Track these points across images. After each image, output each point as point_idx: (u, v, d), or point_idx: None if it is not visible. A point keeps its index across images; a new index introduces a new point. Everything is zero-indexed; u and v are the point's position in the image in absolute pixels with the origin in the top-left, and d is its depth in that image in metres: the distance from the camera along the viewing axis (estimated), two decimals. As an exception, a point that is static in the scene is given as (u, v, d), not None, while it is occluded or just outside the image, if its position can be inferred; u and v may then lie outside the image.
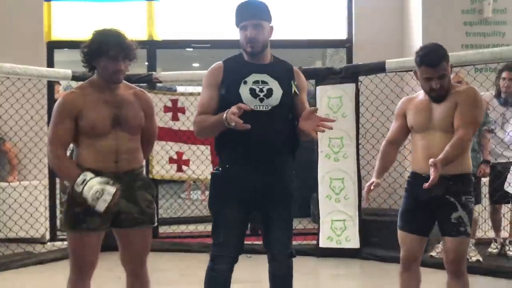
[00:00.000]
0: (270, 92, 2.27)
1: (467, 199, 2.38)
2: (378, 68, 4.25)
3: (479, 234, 4.37)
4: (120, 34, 2.22)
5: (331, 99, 4.40)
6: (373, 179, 2.55)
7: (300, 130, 2.26)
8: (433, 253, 4.19)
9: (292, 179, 2.40)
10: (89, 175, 2.14)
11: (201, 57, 9.00)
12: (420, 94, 2.53)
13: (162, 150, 4.92)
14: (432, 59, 2.34)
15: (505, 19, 4.99)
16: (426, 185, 2.20)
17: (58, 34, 5.35)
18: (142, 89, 2.46)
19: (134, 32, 5.35)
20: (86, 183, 2.11)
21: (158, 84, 5.00)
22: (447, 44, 5.09)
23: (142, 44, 5.33)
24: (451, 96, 2.39)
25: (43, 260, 4.19)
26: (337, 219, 4.37)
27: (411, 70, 4.32)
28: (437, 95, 2.37)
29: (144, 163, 4.96)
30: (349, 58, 5.48)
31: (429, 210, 2.42)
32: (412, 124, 2.47)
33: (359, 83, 4.43)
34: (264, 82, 2.28)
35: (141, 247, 2.34)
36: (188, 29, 5.47)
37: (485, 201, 4.34)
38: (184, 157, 4.93)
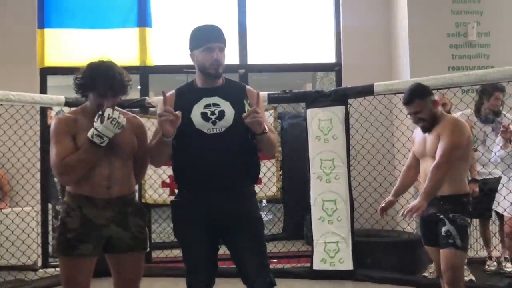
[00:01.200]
0: (222, 114, 2.26)
1: (454, 216, 2.69)
2: (367, 90, 4.33)
3: (471, 253, 4.39)
4: (111, 70, 2.22)
5: (321, 121, 4.46)
6: (389, 197, 2.98)
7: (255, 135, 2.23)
8: (426, 273, 4.20)
9: (253, 202, 2.36)
10: (97, 124, 2.14)
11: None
12: None
13: (155, 174, 4.93)
14: (405, 98, 2.83)
15: (489, 41, 5.12)
16: (403, 212, 2.67)
17: (52, 60, 5.40)
18: (135, 114, 2.50)
19: (127, 58, 5.43)
20: (98, 121, 2.14)
21: (151, 109, 5.04)
22: (434, 66, 5.24)
23: (135, 69, 5.48)
24: (438, 126, 2.77)
25: (35, 287, 4.14)
26: (330, 241, 4.38)
27: (399, 93, 4.42)
28: (420, 127, 2.82)
29: (136, 188, 4.95)
30: (339, 81, 5.58)
31: (430, 226, 2.80)
32: (414, 151, 2.93)
33: (349, 105, 4.50)
34: (215, 105, 2.28)
35: (134, 272, 2.34)
36: (180, 54, 5.55)
37: (476, 220, 4.39)
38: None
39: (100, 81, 2.19)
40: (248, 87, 2.45)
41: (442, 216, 2.70)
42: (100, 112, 2.14)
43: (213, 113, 2.27)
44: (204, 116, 2.27)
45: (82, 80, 2.24)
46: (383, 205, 2.93)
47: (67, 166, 2.16)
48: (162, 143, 2.20)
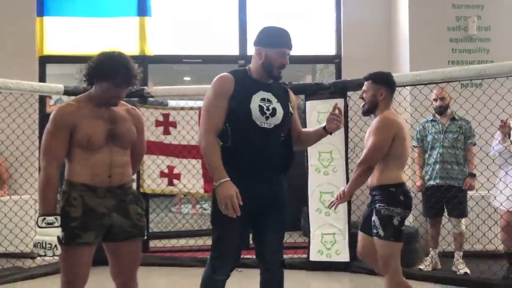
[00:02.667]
0: (274, 111, 2.37)
1: (380, 206, 2.74)
2: (366, 83, 4.32)
3: (467, 247, 4.42)
4: (129, 61, 2.26)
5: (320, 114, 4.47)
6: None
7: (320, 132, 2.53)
8: (422, 266, 4.23)
9: (286, 192, 2.51)
10: (58, 221, 2.14)
11: (192, 71, 9.07)
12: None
13: (153, 164, 4.94)
14: (365, 75, 2.91)
15: (489, 36, 5.12)
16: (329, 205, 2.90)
17: (51, 48, 5.38)
18: (133, 107, 2.52)
19: (126, 47, 5.41)
20: (52, 227, 2.12)
21: (150, 99, 5.04)
22: (434, 60, 5.23)
23: (134, 59, 5.44)
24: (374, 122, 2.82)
25: (33, 275, 4.16)
26: (327, 233, 4.41)
27: (398, 86, 4.41)
28: (362, 106, 2.90)
29: (134, 177, 4.96)
30: (338, 73, 5.58)
31: (367, 214, 2.87)
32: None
33: (348, 98, 4.51)
34: (269, 101, 2.38)
35: (133, 259, 2.37)
36: (179, 44, 5.54)
37: (472, 214, 4.41)
38: (175, 171, 4.96)
39: (120, 71, 2.21)
40: (289, 89, 2.59)
41: (372, 206, 2.81)
42: (53, 222, 2.14)
43: (268, 108, 2.36)
44: (261, 109, 2.35)
45: (98, 67, 2.23)
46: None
47: (46, 178, 2.18)
48: (212, 177, 2.30)
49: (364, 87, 2.88)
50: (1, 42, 5.15)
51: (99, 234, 2.25)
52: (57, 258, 2.18)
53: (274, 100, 2.39)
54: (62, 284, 2.27)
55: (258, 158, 2.34)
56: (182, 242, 5.30)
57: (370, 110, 2.86)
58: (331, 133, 2.52)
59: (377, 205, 2.74)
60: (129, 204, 2.34)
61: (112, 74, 2.21)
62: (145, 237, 2.44)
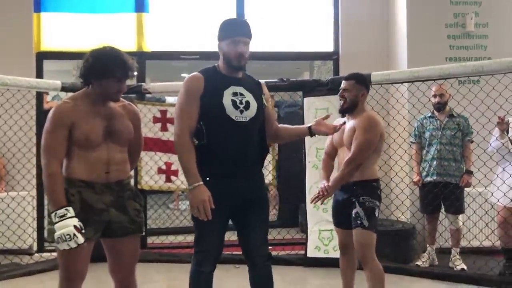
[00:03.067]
0: (248, 104, 2.40)
1: (364, 199, 2.88)
2: (364, 80, 4.32)
3: (464, 243, 4.44)
4: (124, 55, 2.24)
5: (318, 111, 4.47)
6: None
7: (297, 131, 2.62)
8: (419, 262, 4.25)
9: (265, 186, 2.55)
10: (71, 212, 2.14)
11: (190, 67, 9.06)
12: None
13: (151, 161, 4.94)
14: (346, 75, 3.07)
15: (487, 33, 5.12)
16: (311, 199, 2.97)
17: (48, 44, 5.36)
18: (130, 102, 2.50)
19: (123, 43, 5.40)
20: (65, 218, 2.11)
21: (147, 95, 5.03)
22: (431, 57, 5.23)
23: (131, 55, 5.44)
24: (356, 118, 2.92)
25: (31, 271, 4.16)
26: (324, 229, 4.42)
27: (396, 83, 4.44)
28: (340, 104, 3.02)
29: (132, 173, 4.96)
30: (336, 70, 5.57)
31: (344, 209, 2.97)
32: (332, 139, 3.07)
33: (346, 94, 4.50)
34: (241, 95, 2.41)
35: (131, 255, 2.37)
36: (177, 40, 5.52)
37: (469, 210, 4.43)
38: (173, 168, 4.96)
39: (118, 66, 2.20)
40: (262, 82, 2.60)
41: (354, 200, 2.89)
42: (65, 213, 2.13)
43: (241, 102, 2.39)
44: (234, 103, 2.37)
45: (95, 65, 2.21)
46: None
47: (49, 175, 2.17)
48: (186, 178, 2.35)
49: (344, 86, 2.98)
50: (-2, 38, 5.13)
51: (98, 230, 2.25)
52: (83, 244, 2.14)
53: (246, 93, 2.42)
54: (61, 280, 2.26)
55: (234, 154, 2.36)
56: (180, 238, 5.31)
57: (349, 109, 2.97)
58: (314, 135, 2.59)
59: (360, 198, 2.87)
60: (127, 200, 2.34)
61: (110, 70, 2.20)
62: (144, 233, 2.45)
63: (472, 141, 4.19)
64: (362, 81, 3.00)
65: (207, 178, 2.36)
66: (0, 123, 4.66)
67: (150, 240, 5.22)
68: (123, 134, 2.33)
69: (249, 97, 2.42)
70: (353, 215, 2.87)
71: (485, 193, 4.40)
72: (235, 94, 2.39)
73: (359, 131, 2.85)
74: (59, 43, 5.35)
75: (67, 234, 2.09)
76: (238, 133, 2.35)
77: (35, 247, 4.93)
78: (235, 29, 2.41)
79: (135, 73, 2.32)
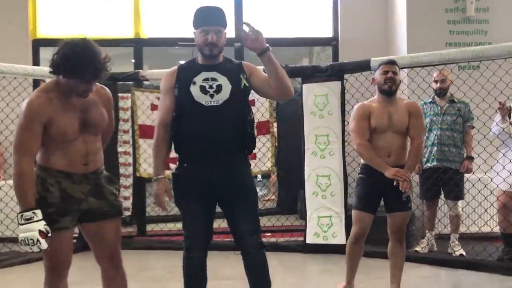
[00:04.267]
0: (219, 88, 2.38)
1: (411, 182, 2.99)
2: (363, 66, 4.30)
3: (463, 229, 4.45)
4: (96, 54, 2.10)
5: (317, 97, 4.44)
6: (390, 168, 2.95)
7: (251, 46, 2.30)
8: (418, 248, 4.26)
9: (247, 174, 2.51)
10: (38, 215, 2.07)
11: (188, 54, 8.99)
12: (374, 101, 3.09)
13: (149, 148, 4.90)
14: (390, 59, 3.22)
15: (488, 17, 5.07)
16: (399, 185, 2.88)
17: (44, 32, 5.31)
18: (102, 85, 2.38)
19: (121, 29, 5.35)
20: (31, 222, 2.05)
21: (145, 82, 4.99)
22: (431, 42, 5.19)
23: (128, 41, 5.40)
24: (402, 106, 3.03)
25: (30, 259, 4.16)
26: (323, 216, 4.42)
27: (395, 68, 4.40)
28: (389, 87, 2.99)
29: (130, 161, 4.92)
30: (335, 56, 5.54)
31: (379, 193, 3.03)
32: (376, 126, 3.01)
33: (345, 81, 4.48)
34: (213, 79, 2.40)
35: (115, 238, 2.35)
36: (174, 27, 5.47)
37: (468, 196, 4.43)
38: (172, 155, 4.92)
39: (87, 68, 2.08)
40: (244, 62, 2.54)
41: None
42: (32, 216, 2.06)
43: (211, 86, 2.38)
44: (202, 89, 2.38)
45: (64, 65, 2.10)
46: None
47: (19, 173, 2.10)
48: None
49: (394, 69, 3.05)
50: (-7, 25, 5.07)
51: (74, 218, 2.24)
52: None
53: (220, 77, 2.40)
54: (46, 269, 2.25)
55: (206, 140, 2.35)
56: (178, 225, 5.27)
57: (395, 91, 3.05)
58: (264, 51, 2.29)
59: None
60: (103, 187, 2.32)
61: (79, 72, 2.08)
62: (123, 215, 2.43)
63: (472, 127, 4.17)
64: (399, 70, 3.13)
65: (185, 164, 2.45)
66: (-4, 111, 4.63)
67: (149, 227, 5.22)
68: (99, 124, 2.27)
69: (222, 80, 2.39)
70: (404, 199, 2.97)
71: (484, 179, 4.39)
72: (206, 79, 2.39)
73: (417, 116, 3.03)
74: (55, 30, 5.30)
75: (31, 239, 2.03)
76: (209, 118, 2.35)
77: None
78: (205, 18, 2.40)
79: (108, 70, 2.18)
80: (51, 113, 2.13)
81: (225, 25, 2.45)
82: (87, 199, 2.25)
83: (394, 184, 2.89)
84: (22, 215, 2.07)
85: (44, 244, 2.05)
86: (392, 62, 3.11)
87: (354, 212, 3.10)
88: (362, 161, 3.11)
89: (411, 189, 3.03)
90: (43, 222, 2.07)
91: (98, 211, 2.28)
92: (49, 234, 2.07)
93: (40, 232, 2.04)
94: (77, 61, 2.07)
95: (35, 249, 2.05)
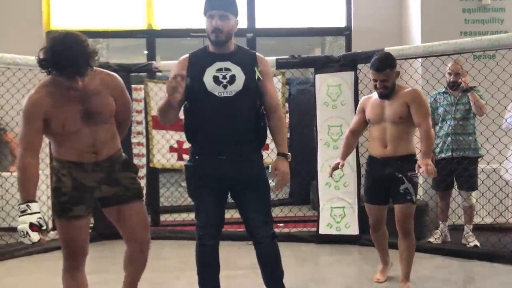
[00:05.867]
0: (233, 78, 2.35)
1: (411, 174, 2.96)
2: (377, 56, 4.26)
3: (477, 220, 4.41)
4: (75, 51, 2.05)
5: (330, 87, 4.42)
6: (340, 160, 3.16)
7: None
8: (431, 239, 4.24)
9: (260, 166, 2.49)
10: (32, 208, 2.08)
11: (200, 45, 8.98)
12: (375, 94, 3.10)
13: (163, 139, 4.95)
14: (377, 65, 2.97)
15: (504, 5, 4.98)
16: (424, 171, 2.79)
17: (57, 23, 5.35)
18: (109, 72, 2.35)
19: (133, 21, 5.36)
20: (24, 214, 2.08)
21: (158, 73, 5.01)
22: (446, 31, 5.11)
23: (141, 33, 5.41)
24: (399, 96, 3.00)
25: (47, 248, 4.23)
26: (336, 206, 4.42)
27: (409, 58, 4.36)
28: (380, 93, 3.01)
29: (144, 152, 4.96)
30: (348, 46, 5.49)
31: (384, 185, 3.04)
32: (370, 117, 3.08)
33: (358, 71, 4.45)
34: (227, 69, 2.37)
35: (138, 221, 2.38)
36: (186, 18, 5.47)
37: (483, 187, 4.39)
38: (185, 146, 4.96)
39: (64, 66, 2.04)
40: (258, 54, 2.51)
41: (400, 175, 2.96)
42: (25, 209, 2.09)
43: (224, 77, 2.35)
44: (216, 79, 2.35)
45: (46, 63, 2.08)
46: (339, 166, 3.15)
47: (22, 167, 2.14)
48: (168, 107, 2.31)
49: (382, 77, 2.96)
50: (8, 18, 5.12)
51: (89, 207, 2.27)
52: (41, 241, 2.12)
53: (233, 67, 2.37)
54: (64, 257, 2.30)
55: (218, 131, 2.34)
56: (192, 216, 5.31)
57: (390, 93, 3.01)
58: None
59: (409, 173, 2.95)
60: (118, 173, 2.33)
61: (59, 69, 2.07)
62: (143, 198, 2.45)
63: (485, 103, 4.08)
64: (393, 64, 3.02)
65: (196, 157, 2.44)
66: (12, 103, 4.68)
67: (163, 217, 5.27)
68: (103, 112, 2.24)
69: (236, 70, 2.37)
70: (401, 191, 2.95)
71: (499, 169, 4.34)
72: (219, 70, 2.36)
73: (418, 103, 2.95)
74: (68, 22, 5.33)
75: (22, 231, 2.06)
76: (222, 109, 2.33)
77: (50, 225, 5.00)
78: (210, 3, 2.39)
79: (92, 66, 2.13)
80: (49, 107, 2.14)
81: (232, 11, 2.40)
82: (100, 187, 2.28)
83: (414, 173, 2.90)
84: (19, 207, 2.11)
85: (34, 237, 2.05)
86: (379, 69, 2.96)
87: (365, 204, 3.24)
88: (368, 153, 3.19)
89: (414, 185, 2.98)
90: (36, 216, 2.08)
91: (113, 196, 2.31)
92: (43, 227, 2.08)
93: (32, 225, 2.06)
94: (56, 59, 2.04)
95: (26, 241, 2.07)
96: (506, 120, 3.97)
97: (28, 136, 2.15)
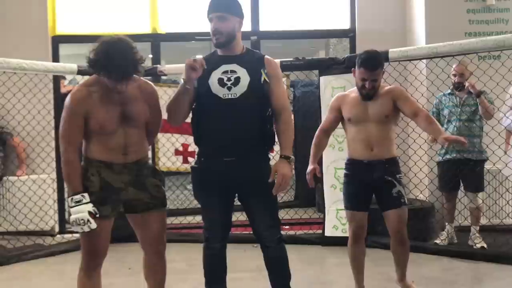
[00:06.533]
0: (237, 80, 2.36)
1: (399, 176, 2.82)
2: (381, 57, 4.26)
3: (484, 221, 4.40)
4: (126, 55, 2.17)
5: (334, 89, 4.41)
6: (314, 165, 2.85)
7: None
8: (438, 241, 4.23)
9: (266, 169, 2.44)
10: (86, 198, 2.21)
11: (205, 49, 9.01)
12: (353, 92, 2.90)
13: (168, 142, 4.97)
14: (371, 64, 2.75)
15: (509, 6, 4.97)
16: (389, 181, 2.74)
17: (63, 28, 5.38)
18: (147, 80, 2.48)
19: (138, 25, 5.39)
20: (80, 204, 2.19)
21: (163, 77, 5.03)
22: (451, 32, 5.10)
23: (146, 37, 5.44)
24: (382, 94, 2.80)
25: (54, 251, 4.26)
26: (342, 208, 4.36)
27: (414, 59, 4.36)
28: (367, 93, 2.78)
29: (150, 155, 4.97)
30: (353, 48, 5.49)
31: (370, 189, 2.85)
32: (350, 116, 2.84)
33: (363, 72, 4.44)
34: (232, 71, 2.37)
35: (158, 229, 2.42)
36: (191, 21, 5.49)
37: (489, 188, 4.37)
38: (190, 149, 4.98)
39: (116, 67, 2.15)
40: (267, 57, 2.50)
41: (390, 179, 2.79)
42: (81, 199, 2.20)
43: (229, 79, 2.36)
44: (220, 81, 2.37)
45: (96, 63, 2.19)
46: (309, 176, 2.82)
47: (67, 161, 2.24)
48: (182, 93, 2.33)
49: (374, 76, 2.75)
50: (14, 23, 5.15)
51: (115, 208, 2.31)
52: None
53: (239, 69, 2.37)
54: (83, 256, 2.34)
55: (223, 133, 2.34)
56: (198, 219, 5.34)
57: (376, 94, 2.81)
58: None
59: (397, 176, 2.81)
60: (145, 178, 2.37)
61: (108, 71, 2.17)
62: (167, 206, 2.49)
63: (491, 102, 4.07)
64: (383, 64, 2.88)
65: (202, 159, 2.45)
66: (19, 107, 4.72)
67: (169, 220, 5.23)
68: (139, 117, 2.33)
69: (241, 72, 2.37)
70: (395, 194, 2.76)
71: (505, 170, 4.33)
72: (225, 72, 2.37)
73: (405, 97, 2.81)
74: (74, 27, 5.37)
75: (81, 219, 2.17)
76: (227, 111, 2.34)
77: (56, 229, 5.03)
78: (210, 6, 2.40)
79: (140, 70, 2.25)
80: (90, 106, 2.24)
81: (231, 11, 2.39)
82: (127, 189, 2.32)
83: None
84: (72, 198, 2.21)
85: (94, 224, 2.18)
86: (372, 68, 2.74)
87: (346, 212, 2.98)
88: (346, 155, 2.96)
89: (404, 188, 2.82)
90: (91, 204, 2.20)
91: (139, 203, 2.35)
92: (97, 215, 2.20)
93: (90, 213, 2.18)
94: (107, 61, 2.15)
95: (86, 228, 2.18)
96: (505, 115, 3.95)
97: (70, 132, 2.25)
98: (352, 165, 2.90)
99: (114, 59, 2.14)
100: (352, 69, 2.88)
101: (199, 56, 2.42)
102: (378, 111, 2.79)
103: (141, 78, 2.42)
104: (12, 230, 4.74)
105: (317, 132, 3.01)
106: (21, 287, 3.57)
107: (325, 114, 4.42)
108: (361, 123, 2.82)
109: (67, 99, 2.27)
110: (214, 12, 2.36)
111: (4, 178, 4.92)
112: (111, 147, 2.28)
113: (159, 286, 2.51)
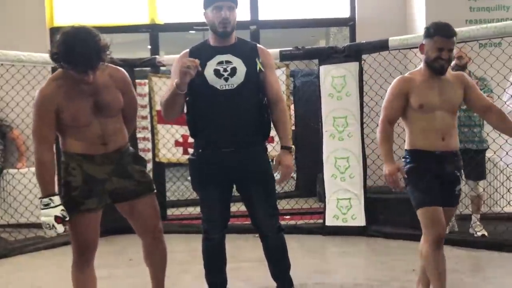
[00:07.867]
0: (234, 71, 2.35)
1: (462, 172, 2.60)
2: (381, 46, 4.23)
3: (484, 209, 4.39)
4: (88, 45, 2.07)
5: (334, 79, 4.40)
6: (394, 164, 2.49)
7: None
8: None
9: (264, 159, 2.48)
10: (55, 201, 2.16)
11: (203, 39, 8.98)
12: (417, 74, 2.54)
13: (168, 134, 4.95)
14: (448, 30, 2.45)
15: (510, -8, 4.93)
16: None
17: (60, 20, 5.35)
18: (117, 67, 2.38)
19: (136, 16, 5.35)
20: (48, 208, 2.15)
21: (162, 68, 5.00)
22: (451, 19, 5.03)
23: (144, 27, 5.41)
24: (451, 78, 2.50)
25: (55, 243, 4.27)
26: (342, 198, 4.41)
27: (414, 47, 4.30)
28: (441, 66, 2.42)
29: (149, 147, 4.98)
30: (352, 37, 5.46)
31: (439, 183, 2.47)
32: (422, 103, 2.45)
33: (363, 61, 4.42)
34: (228, 62, 2.36)
35: (150, 214, 2.39)
36: (189, 11, 5.45)
37: (490, 176, 4.36)
38: (190, 140, 4.94)
39: (77, 61, 2.07)
40: (259, 46, 2.50)
41: (458, 174, 2.53)
42: (49, 203, 2.16)
43: (225, 70, 2.35)
44: (217, 72, 2.35)
45: (58, 56, 2.10)
46: (393, 178, 2.49)
47: (40, 162, 2.20)
48: (175, 95, 2.29)
49: (451, 45, 2.45)
50: (11, 15, 5.12)
51: (101, 200, 2.28)
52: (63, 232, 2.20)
53: (234, 59, 2.36)
54: (73, 251, 2.31)
55: (220, 124, 2.34)
56: (198, 209, 5.33)
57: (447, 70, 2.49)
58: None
59: (462, 171, 2.58)
60: (128, 165, 2.34)
61: (72, 63, 2.09)
62: (155, 191, 2.44)
63: (490, 97, 4.05)
64: None
65: (200, 150, 2.44)
66: (17, 100, 4.70)
67: (170, 212, 5.29)
68: (113, 106, 2.28)
69: (237, 62, 2.36)
70: (457, 192, 2.52)
71: (505, 158, 4.31)
72: (220, 63, 2.36)
73: (475, 88, 2.50)
74: (71, 18, 5.32)
75: (47, 224, 2.14)
76: (224, 102, 2.33)
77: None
78: None
79: (105, 60, 2.16)
80: (60, 101, 2.17)
81: (237, 2, 2.40)
82: (110, 179, 2.29)
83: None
84: (41, 201, 2.17)
85: (59, 229, 2.14)
86: (450, 35, 2.42)
87: (422, 212, 2.44)
88: (405, 146, 2.58)
89: (461, 180, 2.58)
90: (59, 208, 2.15)
91: (125, 190, 2.32)
92: (67, 219, 2.16)
93: (56, 217, 2.13)
94: (67, 53, 2.06)
95: (52, 233, 2.15)
96: (505, 103, 3.93)
97: (42, 130, 2.19)
98: (419, 157, 2.49)
99: (74, 50, 2.04)
100: (420, 44, 2.54)
101: (191, 59, 2.36)
102: (455, 97, 2.48)
103: (111, 65, 2.32)
104: (13, 223, 4.74)
105: (381, 125, 2.55)
106: (23, 279, 3.58)
107: (325, 104, 4.44)
108: (432, 111, 2.45)
109: (36, 96, 2.19)
110: (224, 1, 2.34)
111: (4, 171, 4.92)
112: (89, 139, 2.23)
113: (160, 271, 2.50)
